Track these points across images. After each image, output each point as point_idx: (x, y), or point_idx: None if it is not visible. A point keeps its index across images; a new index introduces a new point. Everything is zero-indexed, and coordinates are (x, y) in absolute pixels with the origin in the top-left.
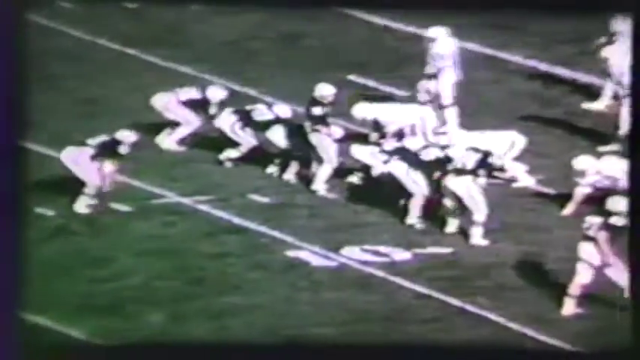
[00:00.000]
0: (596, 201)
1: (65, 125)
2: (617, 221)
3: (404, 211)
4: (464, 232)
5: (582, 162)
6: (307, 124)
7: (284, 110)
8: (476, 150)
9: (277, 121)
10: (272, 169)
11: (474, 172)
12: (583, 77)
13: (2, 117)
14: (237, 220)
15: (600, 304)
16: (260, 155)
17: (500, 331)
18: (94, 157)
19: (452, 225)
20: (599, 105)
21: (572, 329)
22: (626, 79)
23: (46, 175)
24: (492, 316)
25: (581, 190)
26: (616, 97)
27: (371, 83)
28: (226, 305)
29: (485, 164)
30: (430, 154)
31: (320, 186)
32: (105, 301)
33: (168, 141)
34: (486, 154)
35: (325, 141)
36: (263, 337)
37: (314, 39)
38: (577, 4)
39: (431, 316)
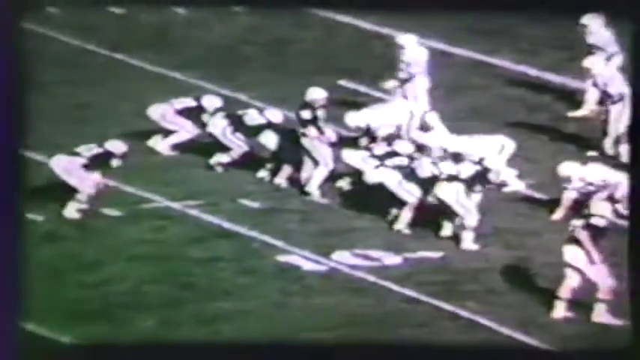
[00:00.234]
0: (584, 206)
1: (53, 130)
2: (599, 222)
3: (394, 217)
4: (455, 237)
5: (566, 168)
6: (299, 130)
7: (275, 115)
8: (475, 162)
9: (269, 125)
10: (263, 174)
11: (468, 185)
12: (572, 83)
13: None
14: (227, 225)
15: (588, 308)
16: (251, 160)
17: (490, 336)
18: (86, 167)
19: (447, 229)
20: (584, 111)
21: (562, 333)
22: (612, 88)
23: (36, 181)
24: (482, 321)
25: (569, 195)
26: (601, 102)
27: (361, 88)
28: (217, 310)
29: (482, 179)
30: (425, 171)
31: (314, 189)
32: (95, 306)
33: (161, 145)
34: (486, 169)
35: (319, 144)
36: (254, 342)
37: (304, 44)
38: (574, 8)
39: (421, 321)
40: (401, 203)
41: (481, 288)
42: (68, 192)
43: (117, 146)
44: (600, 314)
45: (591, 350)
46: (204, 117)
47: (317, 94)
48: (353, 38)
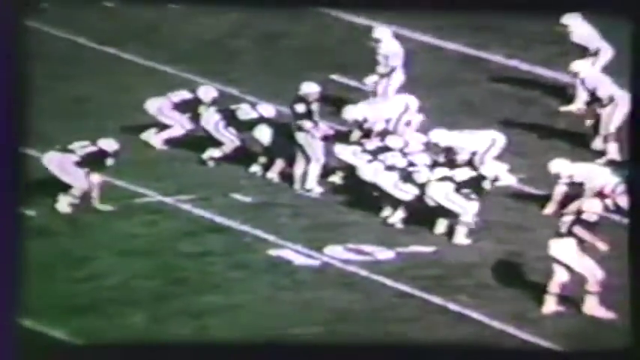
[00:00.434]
0: (575, 201)
1: (47, 126)
2: (590, 217)
3: (391, 212)
4: (447, 232)
5: (556, 165)
6: (293, 124)
7: (268, 110)
8: (474, 169)
9: (261, 120)
10: (255, 168)
11: (460, 187)
12: (563, 77)
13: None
14: (219, 219)
15: (579, 301)
16: (243, 154)
17: (482, 330)
18: (78, 164)
19: (441, 226)
20: (575, 106)
21: (553, 327)
22: (601, 91)
23: (29, 176)
24: (474, 315)
25: (560, 190)
26: (589, 103)
27: (353, 83)
28: (208, 305)
29: (477, 187)
30: (422, 177)
31: (313, 185)
32: (85, 300)
33: (155, 139)
34: (481, 177)
35: (312, 139)
36: (244, 337)
37: (295, 39)
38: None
39: (413, 315)
40: (395, 198)
41: (473, 282)
42: (60, 187)
43: (110, 144)
44: (591, 307)
45: (591, 350)
46: (202, 108)
47: (311, 88)
48: (344, 33)
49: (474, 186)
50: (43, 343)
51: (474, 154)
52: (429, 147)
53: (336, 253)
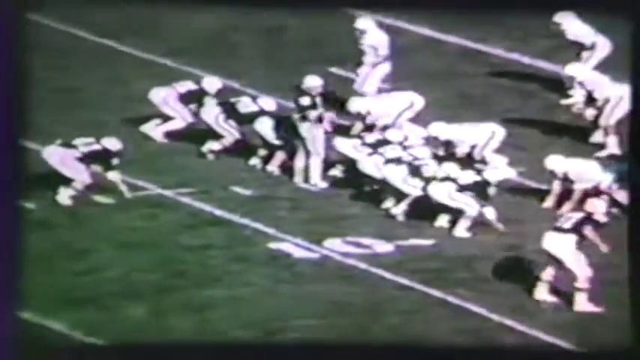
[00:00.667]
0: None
1: (43, 118)
2: (601, 218)
3: (394, 203)
4: (450, 225)
5: (551, 162)
6: (296, 116)
7: (268, 103)
8: (478, 172)
9: (262, 113)
10: (255, 161)
11: (462, 189)
12: (563, 70)
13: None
14: (219, 213)
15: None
16: (243, 147)
17: (481, 323)
18: (80, 160)
19: (442, 220)
20: (576, 99)
21: (552, 321)
22: (598, 93)
23: (29, 169)
24: (474, 308)
25: (557, 185)
26: (586, 102)
27: (352, 76)
28: (207, 298)
29: (481, 192)
30: (430, 171)
31: (317, 180)
32: (85, 293)
33: (155, 132)
34: (486, 182)
35: (316, 132)
36: (244, 330)
37: (295, 32)
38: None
39: (412, 308)
40: (400, 191)
41: (473, 275)
42: (61, 181)
43: (113, 144)
44: (580, 303)
45: (591, 350)
46: (207, 99)
47: (314, 81)
48: (344, 26)
49: (479, 192)
50: (42, 336)
51: (473, 147)
52: (429, 141)
53: (335, 246)
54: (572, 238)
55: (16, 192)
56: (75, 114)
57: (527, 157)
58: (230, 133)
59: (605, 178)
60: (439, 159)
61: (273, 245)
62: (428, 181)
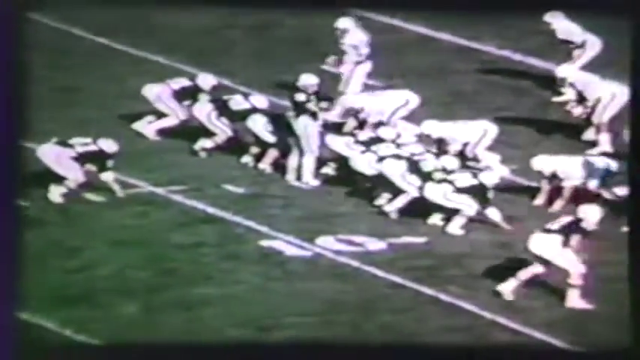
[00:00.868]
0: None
1: (38, 116)
2: (589, 226)
3: (387, 200)
4: (443, 223)
5: (538, 162)
6: (290, 113)
7: (260, 101)
8: (474, 174)
9: (254, 111)
10: (247, 159)
11: (459, 191)
12: (556, 68)
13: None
14: (211, 210)
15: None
16: (235, 145)
17: (473, 320)
18: (75, 159)
19: (435, 218)
20: (568, 96)
21: (545, 318)
22: (589, 93)
23: (23, 168)
24: (466, 305)
25: (547, 183)
26: (579, 101)
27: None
28: (199, 295)
29: (479, 195)
30: (429, 165)
31: (309, 179)
32: (77, 291)
33: (147, 129)
34: (483, 187)
35: (311, 129)
36: (237, 328)
37: (288, 29)
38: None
39: (404, 305)
40: (395, 187)
41: (464, 273)
42: (53, 178)
43: (109, 145)
44: (572, 299)
45: (591, 350)
46: (201, 96)
47: (310, 79)
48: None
49: (478, 195)
50: (36, 334)
51: (465, 144)
52: (422, 138)
53: (327, 243)
54: (558, 238)
55: (14, 191)
56: (69, 112)
57: (519, 155)
58: (222, 130)
59: (593, 175)
60: (438, 155)
61: (265, 243)
62: (426, 176)
